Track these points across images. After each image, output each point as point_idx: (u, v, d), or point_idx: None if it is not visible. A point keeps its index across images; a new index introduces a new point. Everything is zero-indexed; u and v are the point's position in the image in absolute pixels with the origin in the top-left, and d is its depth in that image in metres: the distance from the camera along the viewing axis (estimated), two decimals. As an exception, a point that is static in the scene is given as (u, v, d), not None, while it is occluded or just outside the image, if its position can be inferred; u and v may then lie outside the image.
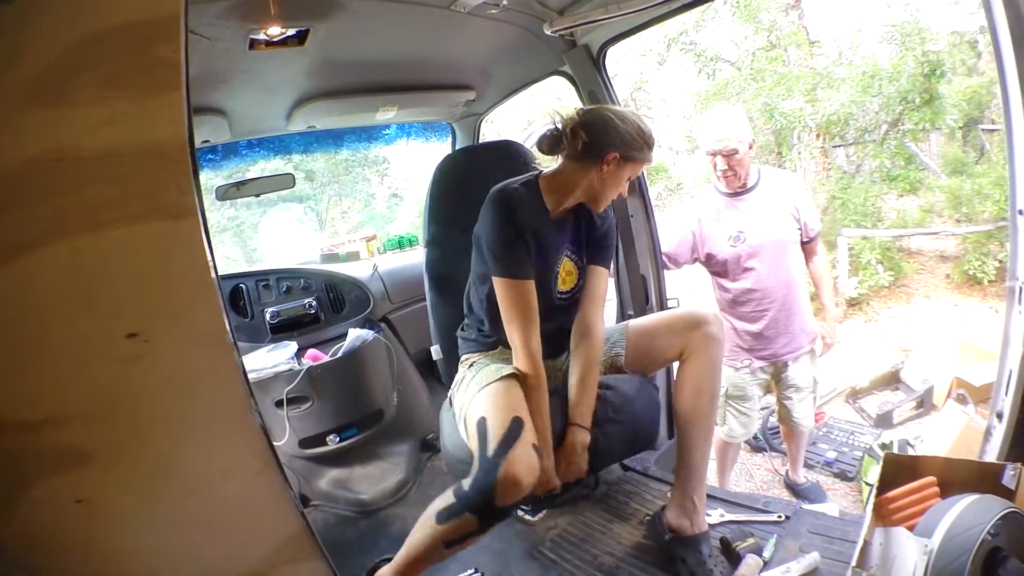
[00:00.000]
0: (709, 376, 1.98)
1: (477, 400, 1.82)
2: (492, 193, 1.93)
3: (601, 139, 1.86)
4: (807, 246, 3.03)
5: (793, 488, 3.55)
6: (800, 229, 2.96)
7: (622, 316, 2.90)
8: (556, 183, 1.97)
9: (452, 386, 2.10)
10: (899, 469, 1.81)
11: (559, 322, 2.03)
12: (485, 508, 1.61)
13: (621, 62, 9.83)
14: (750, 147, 2.84)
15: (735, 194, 2.92)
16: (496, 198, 1.91)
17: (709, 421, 2.00)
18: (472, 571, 2.13)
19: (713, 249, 2.95)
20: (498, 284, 1.90)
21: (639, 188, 2.72)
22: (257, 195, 3.28)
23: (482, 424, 1.72)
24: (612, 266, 2.82)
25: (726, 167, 2.83)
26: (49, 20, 0.84)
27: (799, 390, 3.11)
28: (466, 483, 1.64)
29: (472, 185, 2.04)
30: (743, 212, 2.90)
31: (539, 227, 1.93)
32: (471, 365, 2.03)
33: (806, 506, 2.42)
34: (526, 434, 1.67)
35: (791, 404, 3.15)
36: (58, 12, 0.85)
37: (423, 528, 1.71)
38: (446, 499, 1.67)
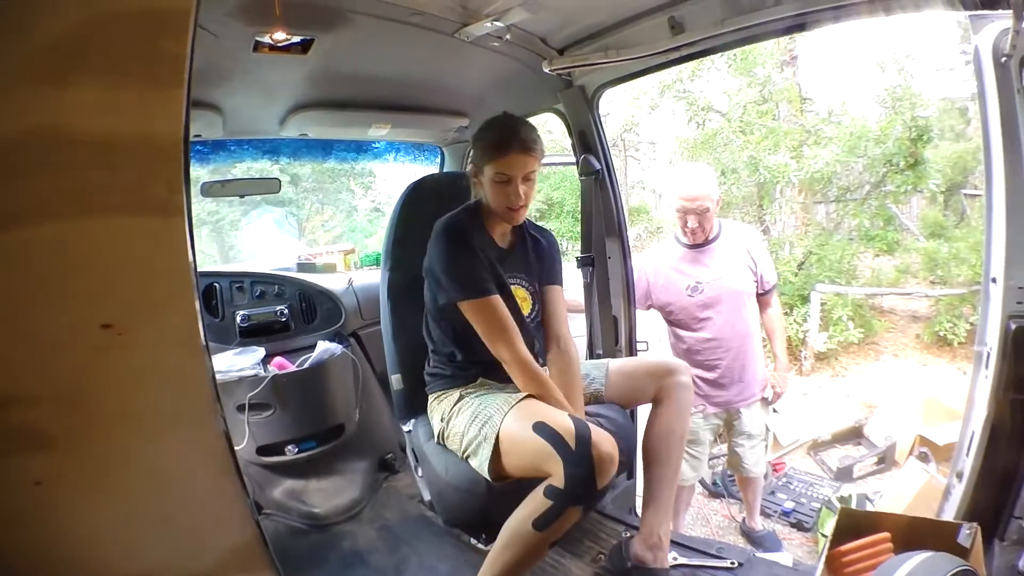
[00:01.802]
0: (680, 419, 2.12)
1: (513, 416, 1.82)
2: (438, 224, 1.99)
3: None
4: (763, 298, 3.13)
5: (749, 535, 3.57)
6: (756, 281, 3.05)
7: (590, 355, 2.92)
8: (488, 208, 2.04)
9: (436, 420, 2.06)
10: (854, 523, 1.85)
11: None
12: (587, 495, 1.66)
13: (615, 102, 9.96)
14: (717, 203, 2.95)
15: (696, 246, 3.01)
16: (443, 226, 1.98)
17: (677, 461, 2.14)
18: None
19: (670, 298, 3.04)
20: (466, 308, 1.92)
21: (618, 232, 2.76)
22: (242, 196, 3.27)
23: (542, 427, 1.72)
24: (585, 306, 2.90)
25: (696, 224, 2.92)
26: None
27: (751, 437, 3.19)
28: (556, 483, 1.66)
29: (441, 212, 2.06)
30: (702, 264, 2.99)
31: (487, 253, 2.00)
32: (460, 398, 2.00)
33: (759, 554, 2.44)
34: (570, 418, 1.73)
35: (743, 451, 3.21)
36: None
37: (518, 542, 1.75)
38: (537, 505, 1.69)
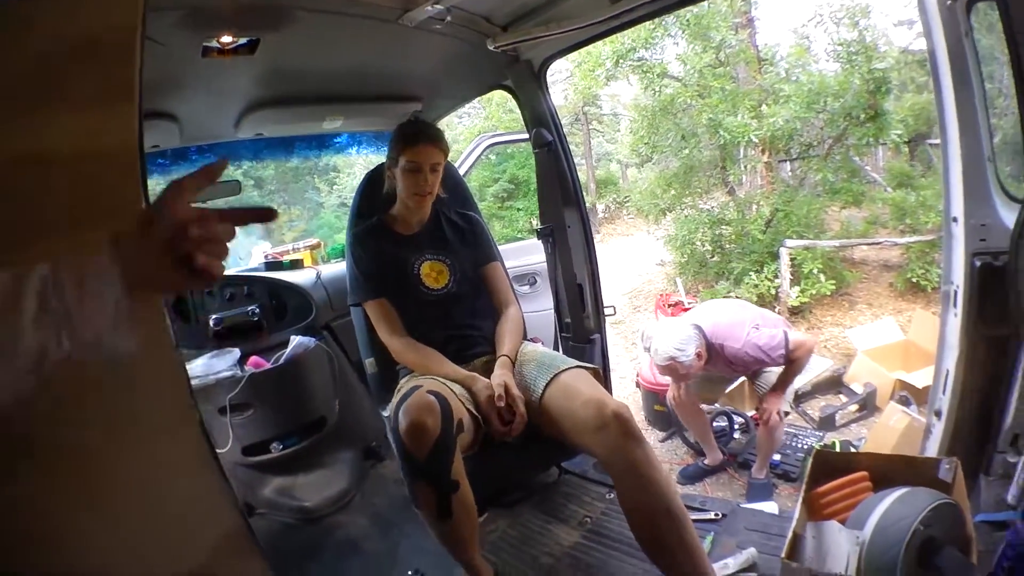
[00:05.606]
0: (654, 490, 1.71)
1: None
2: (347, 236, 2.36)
3: None
4: (790, 355, 3.23)
5: (749, 481, 3.68)
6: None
7: (560, 322, 3.00)
8: (395, 211, 2.32)
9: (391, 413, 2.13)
10: (830, 465, 1.91)
11: (443, 318, 2.18)
12: (416, 469, 1.69)
13: (573, 77, 9.95)
14: (699, 357, 3.14)
15: None
16: (348, 238, 2.32)
17: (683, 542, 1.70)
18: (412, 572, 2.17)
19: None
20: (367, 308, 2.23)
21: (575, 200, 2.82)
22: (203, 201, 3.25)
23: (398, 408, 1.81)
24: (550, 276, 2.99)
25: (679, 384, 3.26)
26: (11, 23, 0.85)
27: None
28: None
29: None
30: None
31: (391, 246, 2.23)
32: (400, 389, 2.08)
33: (743, 504, 2.52)
34: (422, 388, 1.77)
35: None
36: (17, 16, 0.86)
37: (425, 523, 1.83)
38: None
